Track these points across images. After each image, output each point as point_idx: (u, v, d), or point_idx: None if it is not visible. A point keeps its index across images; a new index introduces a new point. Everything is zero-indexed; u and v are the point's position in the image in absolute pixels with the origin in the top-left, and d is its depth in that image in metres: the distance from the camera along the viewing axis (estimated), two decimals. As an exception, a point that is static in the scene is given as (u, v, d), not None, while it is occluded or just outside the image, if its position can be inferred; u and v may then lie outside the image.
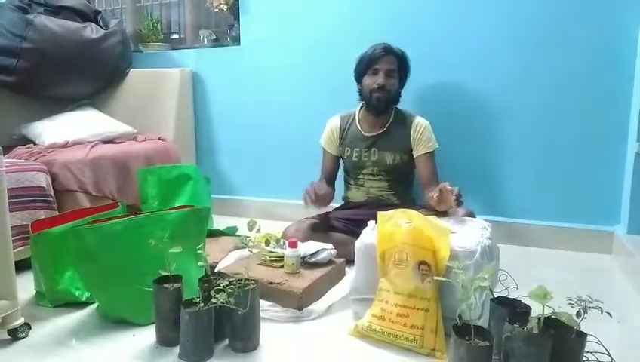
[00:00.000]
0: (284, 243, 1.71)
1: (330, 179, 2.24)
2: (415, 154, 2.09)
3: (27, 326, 1.40)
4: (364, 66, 2.07)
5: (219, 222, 2.40)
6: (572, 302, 1.10)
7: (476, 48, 2.23)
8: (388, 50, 2.05)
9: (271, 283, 1.53)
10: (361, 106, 2.16)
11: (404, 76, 2.12)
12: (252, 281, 1.33)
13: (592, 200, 2.15)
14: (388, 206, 1.86)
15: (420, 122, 2.09)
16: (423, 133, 2.06)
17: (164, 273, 1.34)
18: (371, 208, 1.93)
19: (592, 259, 2.09)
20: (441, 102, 2.31)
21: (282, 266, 1.63)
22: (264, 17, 2.65)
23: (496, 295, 1.30)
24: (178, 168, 2.31)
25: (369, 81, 2.06)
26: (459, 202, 1.61)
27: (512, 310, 1.18)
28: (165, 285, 1.34)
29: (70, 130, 2.35)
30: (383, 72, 2.03)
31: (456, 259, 1.27)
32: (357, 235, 1.54)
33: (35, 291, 1.65)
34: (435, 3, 2.28)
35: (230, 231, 2.21)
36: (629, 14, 1.99)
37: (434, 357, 1.27)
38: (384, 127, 2.11)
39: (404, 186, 2.17)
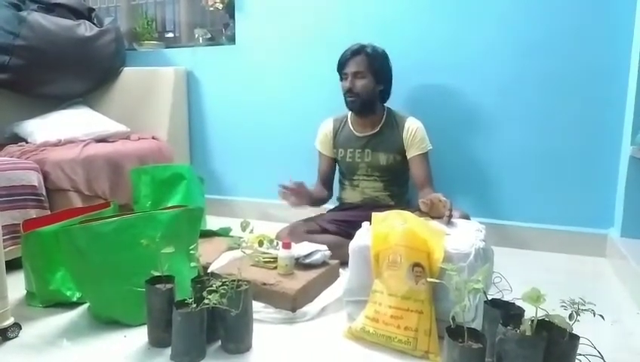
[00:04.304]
0: (277, 244, 1.71)
1: (326, 181, 2.25)
2: (408, 155, 2.09)
3: (17, 326, 1.39)
4: (338, 71, 2.10)
5: (213, 223, 2.39)
6: (565, 305, 1.10)
7: (472, 51, 2.23)
8: (355, 51, 2.04)
9: (264, 284, 1.52)
10: None
11: (379, 73, 2.06)
12: (245, 282, 1.32)
13: (586, 203, 2.16)
14: (383, 207, 1.86)
15: (413, 124, 2.09)
16: (415, 134, 2.06)
17: (157, 273, 1.32)
18: (366, 210, 1.93)
19: (585, 261, 2.09)
20: (437, 105, 2.31)
21: (276, 267, 1.62)
22: (260, 16, 2.64)
23: (490, 297, 1.30)
24: (171, 168, 2.30)
25: (342, 85, 2.09)
26: (450, 216, 1.61)
27: (506, 312, 1.18)
28: (157, 286, 1.32)
29: (63, 129, 2.33)
30: (350, 75, 2.04)
31: (450, 261, 1.27)
32: (351, 237, 1.54)
33: (25, 291, 1.64)
34: (430, 7, 2.28)
35: (224, 232, 2.19)
36: (622, 20, 1.99)
37: (427, 359, 1.26)
38: (377, 127, 2.11)
39: (398, 187, 2.17)
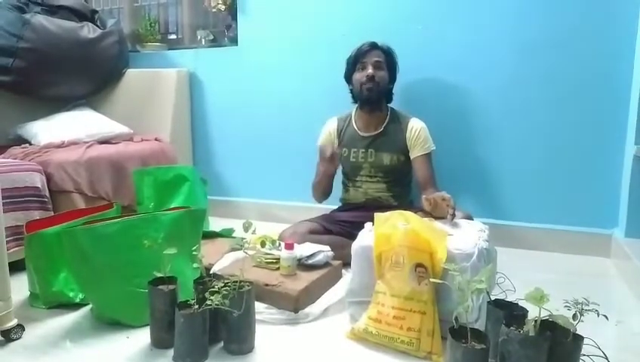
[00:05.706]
0: (279, 244, 1.70)
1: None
2: (412, 156, 2.08)
3: (20, 327, 1.39)
4: (352, 64, 2.10)
5: (215, 224, 2.39)
6: (569, 305, 1.09)
7: (475, 49, 2.22)
8: (374, 45, 2.07)
9: (267, 285, 1.52)
10: (357, 107, 2.16)
11: (392, 71, 2.11)
12: (247, 283, 1.32)
13: (590, 203, 2.15)
14: (385, 208, 1.85)
15: (416, 124, 2.09)
16: (419, 134, 2.06)
17: (159, 274, 1.32)
18: (368, 210, 1.92)
19: (590, 262, 2.08)
20: (439, 104, 2.30)
21: (278, 268, 1.62)
22: (262, 18, 2.64)
23: (493, 298, 1.29)
24: (174, 169, 2.30)
25: (358, 75, 2.07)
26: (453, 214, 1.61)
27: (509, 312, 1.17)
28: (160, 287, 1.33)
29: (66, 131, 2.34)
30: (371, 64, 2.04)
31: (453, 262, 1.26)
32: (354, 238, 1.53)
33: (28, 292, 1.64)
34: (431, 7, 2.28)
35: (226, 233, 2.20)
36: (627, 16, 1.99)
37: (430, 360, 1.26)
38: (380, 127, 2.11)
39: (401, 187, 2.16)
